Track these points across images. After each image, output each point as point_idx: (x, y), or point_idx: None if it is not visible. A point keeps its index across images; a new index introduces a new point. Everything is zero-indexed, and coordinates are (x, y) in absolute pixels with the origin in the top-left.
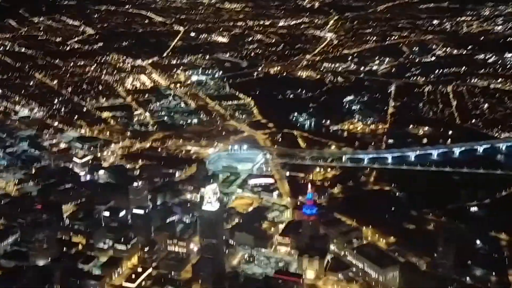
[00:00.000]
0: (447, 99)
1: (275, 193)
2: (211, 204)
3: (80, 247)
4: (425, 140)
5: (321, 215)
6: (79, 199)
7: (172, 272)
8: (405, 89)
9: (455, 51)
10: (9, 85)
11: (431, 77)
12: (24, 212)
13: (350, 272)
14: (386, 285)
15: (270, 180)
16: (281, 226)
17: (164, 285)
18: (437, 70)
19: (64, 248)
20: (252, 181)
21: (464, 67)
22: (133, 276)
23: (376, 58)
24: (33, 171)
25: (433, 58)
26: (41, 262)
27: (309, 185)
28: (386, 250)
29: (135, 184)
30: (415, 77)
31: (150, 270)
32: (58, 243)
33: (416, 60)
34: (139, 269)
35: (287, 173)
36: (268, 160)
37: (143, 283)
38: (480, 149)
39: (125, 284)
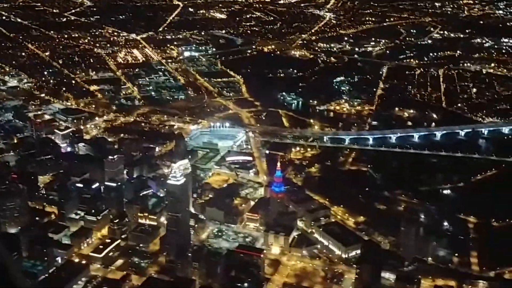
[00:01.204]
0: (437, 82)
1: (252, 171)
2: (175, 178)
3: (53, 216)
4: (409, 123)
5: (292, 193)
6: (57, 170)
7: (140, 244)
8: (396, 71)
9: (452, 35)
10: (0, 55)
11: (425, 60)
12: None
13: (315, 249)
14: (348, 262)
15: (248, 158)
16: (253, 203)
17: (130, 256)
18: (431, 53)
19: (37, 217)
20: (230, 158)
21: (459, 51)
22: (101, 246)
23: (372, 39)
24: (15, 141)
25: (430, 41)
26: (11, 230)
27: (278, 163)
28: (353, 229)
29: (110, 157)
30: (408, 60)
31: (118, 241)
32: (31, 212)
33: (412, 43)
34: (108, 240)
35: (267, 152)
36: (250, 138)
37: (111, 253)
38: (462, 133)
39: (91, 254)
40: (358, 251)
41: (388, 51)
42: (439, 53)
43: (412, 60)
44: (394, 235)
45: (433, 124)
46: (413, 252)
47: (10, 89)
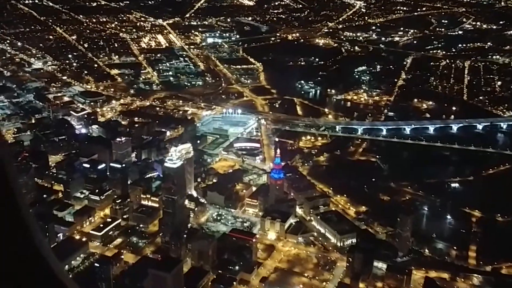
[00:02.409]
0: (461, 74)
1: (258, 158)
2: (172, 161)
3: (60, 195)
4: (427, 115)
5: (293, 181)
6: (69, 150)
7: (140, 224)
8: (421, 62)
9: (484, 26)
10: (29, 38)
11: (452, 51)
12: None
13: (311, 236)
14: (342, 250)
15: (256, 145)
16: (255, 189)
17: (129, 236)
18: (460, 44)
19: (44, 195)
20: (238, 145)
21: (489, 43)
22: (102, 225)
23: (401, 29)
24: (33, 121)
25: (460, 31)
26: None
27: (278, 151)
28: (352, 218)
29: (117, 139)
30: (435, 50)
31: (119, 221)
32: (38, 189)
33: (442, 33)
34: (109, 220)
35: (276, 139)
36: (261, 125)
37: (110, 232)
38: (479, 126)
39: (92, 232)
40: (354, 240)
41: (415, 41)
42: (468, 45)
43: (439, 51)
44: (393, 226)
45: (452, 116)
46: (408, 243)
47: (34, 71)
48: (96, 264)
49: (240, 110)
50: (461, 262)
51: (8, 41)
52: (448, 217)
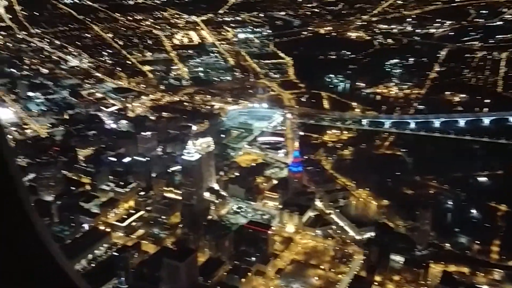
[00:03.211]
0: (497, 66)
1: (282, 151)
2: (190, 155)
3: (87, 187)
4: (460, 108)
5: (313, 174)
6: (98, 145)
7: (162, 216)
8: (456, 54)
9: None
10: (67, 36)
11: (490, 42)
12: (42, 152)
13: (329, 229)
14: (360, 244)
15: (280, 139)
16: (275, 182)
17: (151, 227)
18: (498, 35)
19: (72, 187)
20: (261, 139)
21: None
22: (125, 216)
23: (437, 20)
24: (66, 117)
25: (500, 22)
26: (47, 197)
27: (296, 144)
28: (373, 212)
29: (143, 133)
30: (471, 42)
31: (142, 212)
32: (66, 182)
33: (480, 24)
34: (133, 211)
35: (301, 133)
36: (286, 119)
37: (133, 223)
38: None
39: (116, 223)
40: (372, 233)
41: (451, 33)
42: (507, 35)
43: (475, 42)
44: (413, 220)
45: (486, 109)
46: (428, 237)
47: (70, 69)
48: (115, 253)
49: (265, 104)
50: (482, 257)
51: (47, 40)
52: (473, 211)
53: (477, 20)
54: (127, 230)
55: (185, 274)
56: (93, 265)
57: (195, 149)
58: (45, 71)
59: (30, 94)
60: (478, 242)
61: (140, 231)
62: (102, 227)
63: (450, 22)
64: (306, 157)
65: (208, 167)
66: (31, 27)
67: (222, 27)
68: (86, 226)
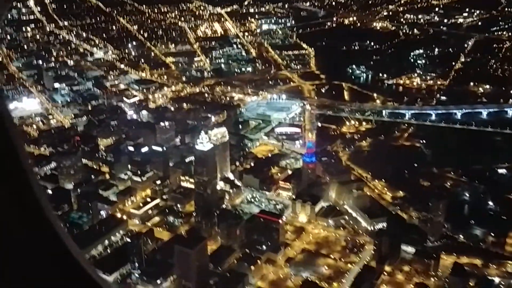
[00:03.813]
0: None
1: (298, 142)
2: (202, 145)
3: (107, 176)
4: (484, 99)
5: (329, 165)
6: (119, 135)
7: (178, 204)
8: (483, 45)
9: None
10: (94, 29)
11: None
12: (64, 142)
13: (342, 220)
14: (371, 234)
15: (297, 130)
16: (290, 173)
17: (166, 215)
18: None
19: (92, 176)
20: (279, 130)
21: None
22: (141, 204)
23: (466, 10)
24: (89, 108)
25: None
26: (67, 185)
27: (309, 135)
28: (388, 203)
29: (161, 123)
30: (500, 32)
31: (157, 201)
32: (86, 170)
33: (511, 14)
34: (149, 200)
35: (319, 124)
36: (305, 110)
37: (149, 211)
38: None
39: (132, 210)
40: (385, 224)
41: (480, 23)
42: None
43: (504, 32)
44: (428, 212)
45: (511, 101)
46: (441, 228)
47: (95, 61)
48: (128, 240)
49: (284, 95)
50: (496, 249)
51: (74, 32)
52: (490, 203)
53: (508, 9)
54: (143, 218)
55: (196, 261)
56: (109, 251)
57: (209, 139)
58: (71, 63)
59: (56, 85)
60: (493, 235)
61: (156, 219)
62: (119, 215)
63: (479, 11)
64: (322, 148)
65: (223, 157)
66: (60, 20)
67: (246, 18)
68: (103, 214)
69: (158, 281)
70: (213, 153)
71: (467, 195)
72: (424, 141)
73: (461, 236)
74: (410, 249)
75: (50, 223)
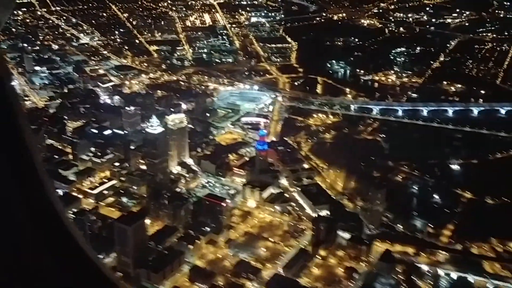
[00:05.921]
0: (503, 58)
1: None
2: (153, 128)
3: (70, 157)
4: (455, 98)
5: (284, 154)
6: (89, 118)
7: (134, 186)
8: (465, 45)
9: None
10: (84, 15)
11: (504, 34)
12: (32, 122)
13: (289, 206)
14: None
15: (264, 120)
16: (247, 160)
17: (120, 196)
18: None
19: (55, 156)
20: (245, 119)
21: None
22: (97, 184)
23: (457, 10)
24: (65, 91)
25: None
26: None
27: (262, 123)
28: (336, 193)
29: (127, 108)
30: (485, 33)
31: (114, 182)
32: (51, 150)
33: (500, 16)
34: (106, 180)
35: (286, 115)
36: (276, 102)
37: (105, 192)
38: (503, 111)
39: (87, 190)
40: (328, 212)
41: (467, 24)
42: None
43: (489, 34)
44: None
45: (481, 100)
46: (380, 217)
47: (80, 46)
48: (73, 216)
49: (257, 86)
50: (431, 239)
51: (64, 18)
52: (435, 196)
53: (498, 11)
54: (98, 197)
55: (133, 238)
56: None
57: (157, 123)
58: (55, 47)
59: (37, 68)
60: (432, 226)
61: (110, 199)
62: (75, 194)
63: (469, 12)
64: (281, 138)
65: (181, 143)
66: (52, 4)
67: (237, 10)
68: (60, 192)
69: (101, 256)
70: (164, 137)
71: (416, 188)
72: (384, 136)
73: (400, 226)
74: (347, 235)
75: (52, 204)
